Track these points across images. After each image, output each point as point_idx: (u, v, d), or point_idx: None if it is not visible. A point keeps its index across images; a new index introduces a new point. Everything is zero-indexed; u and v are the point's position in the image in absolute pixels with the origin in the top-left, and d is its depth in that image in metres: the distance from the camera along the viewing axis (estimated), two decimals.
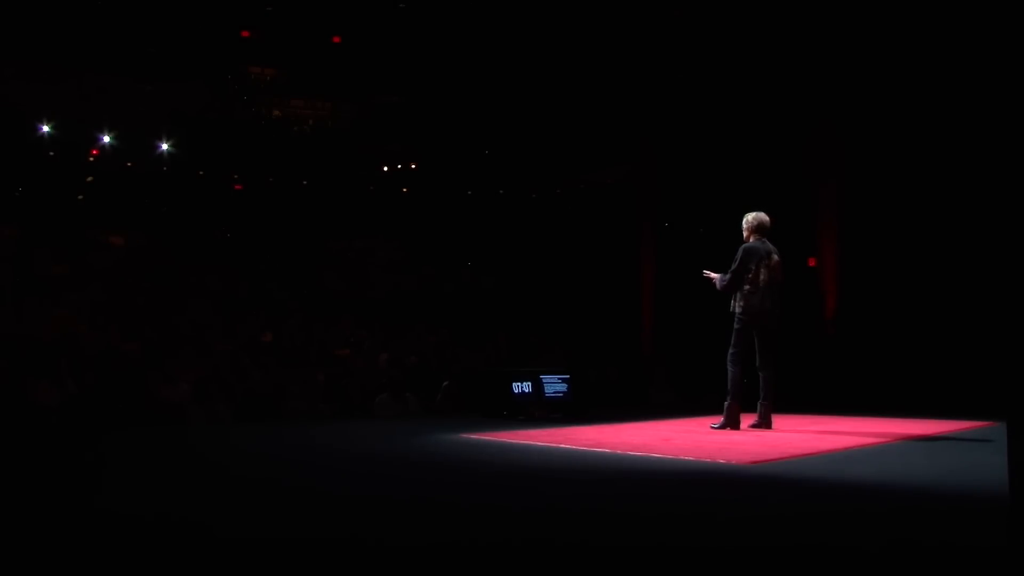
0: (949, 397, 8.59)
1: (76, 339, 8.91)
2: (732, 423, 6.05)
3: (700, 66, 13.60)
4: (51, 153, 16.66)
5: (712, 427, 6.13)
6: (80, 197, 17.60)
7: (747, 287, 6.05)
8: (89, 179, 17.74)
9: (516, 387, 8.17)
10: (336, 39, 16.12)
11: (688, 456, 4.54)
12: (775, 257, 6.14)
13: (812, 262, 13.17)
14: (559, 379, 8.65)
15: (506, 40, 14.62)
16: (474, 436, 5.81)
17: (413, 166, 19.91)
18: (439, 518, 2.97)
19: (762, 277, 6.04)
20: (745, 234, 6.28)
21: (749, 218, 6.30)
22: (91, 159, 17.34)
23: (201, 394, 7.98)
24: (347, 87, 17.93)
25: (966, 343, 9.80)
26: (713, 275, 6.32)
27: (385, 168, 19.89)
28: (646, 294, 14.92)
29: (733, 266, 6.11)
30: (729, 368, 6.12)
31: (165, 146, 17.24)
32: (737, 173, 13.61)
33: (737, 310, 6.10)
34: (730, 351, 6.13)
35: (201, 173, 18.36)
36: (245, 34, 15.78)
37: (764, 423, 6.05)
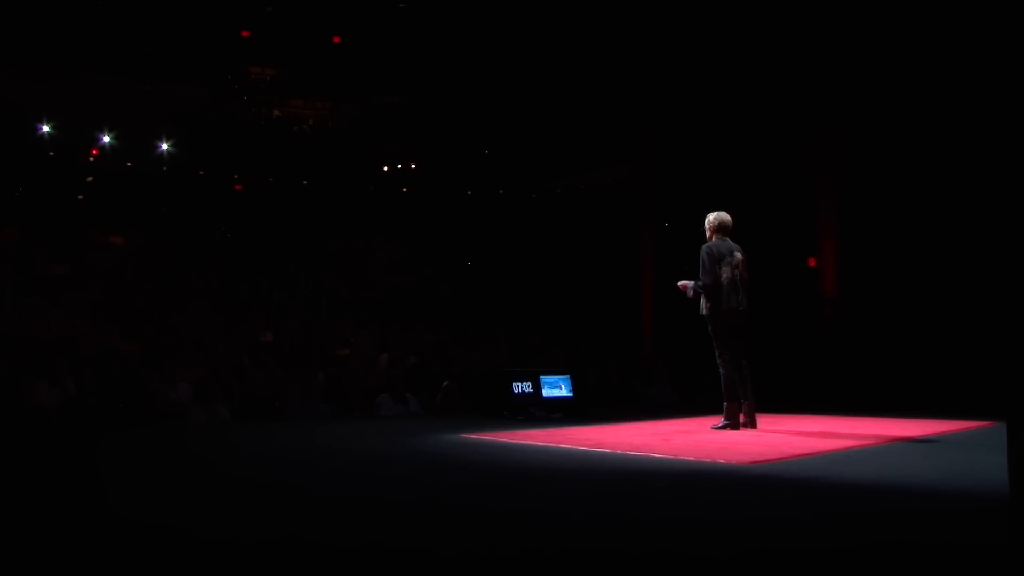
0: (949, 397, 8.58)
1: (76, 339, 8.91)
2: (732, 423, 6.05)
3: (700, 66, 13.60)
4: (51, 153, 16.68)
5: (713, 427, 6.13)
6: (80, 197, 17.62)
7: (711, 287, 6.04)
8: (89, 179, 17.77)
9: (516, 387, 8.15)
10: (336, 39, 16.12)
11: (688, 456, 4.54)
12: (738, 255, 6.13)
13: (812, 262, 13.16)
14: (559, 379, 8.63)
15: (506, 40, 14.62)
16: (474, 436, 5.81)
17: (413, 166, 19.93)
18: (438, 519, 2.97)
19: (724, 276, 6.04)
20: (708, 234, 6.30)
21: (711, 218, 6.32)
22: (91, 159, 17.36)
23: (201, 394, 7.97)
24: (347, 87, 17.94)
25: (966, 343, 9.79)
26: (687, 283, 6.23)
27: (385, 168, 19.91)
28: (646, 294, 14.91)
29: (701, 270, 6.09)
30: (721, 370, 6.13)
31: (165, 146, 17.26)
32: (737, 173, 13.61)
33: (704, 312, 6.10)
34: (716, 353, 6.13)
35: (201, 173, 18.38)
36: (245, 34, 15.78)
37: (749, 422, 6.04)
